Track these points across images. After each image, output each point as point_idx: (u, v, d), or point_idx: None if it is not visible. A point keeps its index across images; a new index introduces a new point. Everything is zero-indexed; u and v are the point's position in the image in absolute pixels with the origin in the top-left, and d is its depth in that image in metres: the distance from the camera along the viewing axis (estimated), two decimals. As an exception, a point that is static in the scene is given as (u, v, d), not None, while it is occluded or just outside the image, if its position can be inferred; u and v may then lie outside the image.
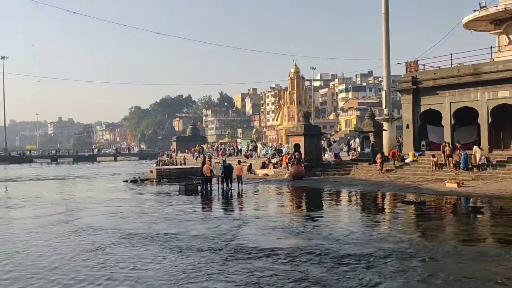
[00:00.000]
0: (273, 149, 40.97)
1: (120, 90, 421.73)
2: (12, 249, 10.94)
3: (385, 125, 30.26)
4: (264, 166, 31.82)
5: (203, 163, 24.63)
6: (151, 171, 32.38)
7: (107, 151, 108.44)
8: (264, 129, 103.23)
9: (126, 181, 30.58)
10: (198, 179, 23.66)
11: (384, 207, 17.77)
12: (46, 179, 37.37)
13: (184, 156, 53.79)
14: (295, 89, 71.34)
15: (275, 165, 31.37)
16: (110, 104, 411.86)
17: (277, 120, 78.86)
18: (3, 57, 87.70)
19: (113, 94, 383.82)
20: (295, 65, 71.73)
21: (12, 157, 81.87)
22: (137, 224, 13.79)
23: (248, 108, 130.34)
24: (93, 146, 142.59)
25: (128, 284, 7.94)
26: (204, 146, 59.75)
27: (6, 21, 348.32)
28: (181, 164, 45.70)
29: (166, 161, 52.03)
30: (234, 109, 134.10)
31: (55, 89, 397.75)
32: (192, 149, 55.91)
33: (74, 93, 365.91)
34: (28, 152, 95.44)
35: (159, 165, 43.48)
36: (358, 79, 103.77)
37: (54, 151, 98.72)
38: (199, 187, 22.55)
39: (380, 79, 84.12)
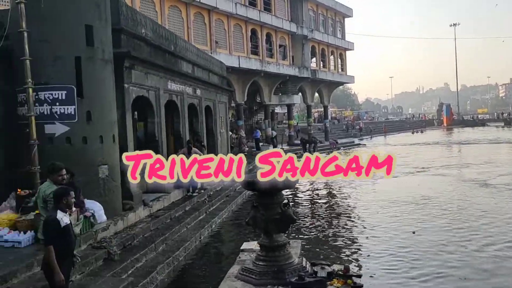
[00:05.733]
0: None
1: None
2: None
3: None
4: None
5: None
6: None
7: None
8: None
9: None
10: None
11: None
12: (502, 143, 36.42)
13: None
14: None
15: None
16: None
17: None
18: (454, 24, 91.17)
19: None
20: None
21: (465, 121, 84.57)
22: None
23: None
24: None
25: None
26: None
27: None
28: None
29: None
30: None
31: (508, 49, 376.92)
32: None
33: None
34: (480, 116, 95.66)
35: None
36: None
37: (506, 114, 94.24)
38: None
39: None
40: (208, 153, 16.23)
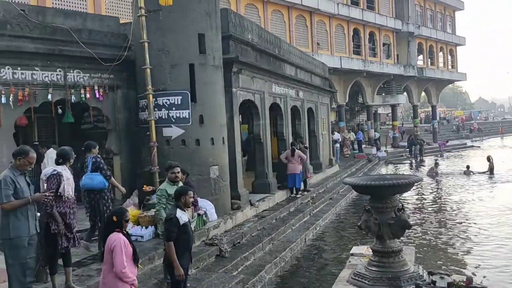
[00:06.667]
0: None
1: None
2: None
3: None
4: None
5: None
6: None
7: None
8: None
9: None
10: None
11: None
12: None
13: None
14: None
15: None
16: None
17: None
18: None
19: None
20: None
21: None
22: None
23: None
24: None
25: None
26: None
27: None
28: None
29: None
30: None
31: None
32: None
33: None
34: None
35: None
36: None
37: None
38: None
39: None
40: (310, 155, 16.20)
